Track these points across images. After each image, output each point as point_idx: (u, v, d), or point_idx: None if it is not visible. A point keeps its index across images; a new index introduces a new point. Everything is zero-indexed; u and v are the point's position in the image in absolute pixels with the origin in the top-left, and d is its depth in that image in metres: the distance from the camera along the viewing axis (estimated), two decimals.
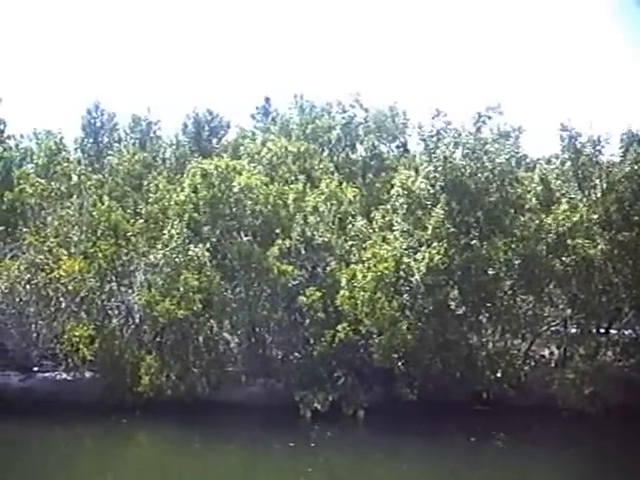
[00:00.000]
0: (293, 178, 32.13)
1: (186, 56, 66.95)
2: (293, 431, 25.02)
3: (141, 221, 31.13)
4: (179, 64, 67.83)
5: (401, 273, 26.26)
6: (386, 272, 26.01)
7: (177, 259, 27.97)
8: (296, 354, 28.51)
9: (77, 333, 27.79)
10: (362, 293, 26.27)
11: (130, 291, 29.60)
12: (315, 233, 28.76)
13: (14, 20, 70.28)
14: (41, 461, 23.04)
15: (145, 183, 35.70)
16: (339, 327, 26.77)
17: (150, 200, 32.41)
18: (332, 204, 30.02)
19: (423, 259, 26.05)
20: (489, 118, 28.60)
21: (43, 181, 35.39)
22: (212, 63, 67.27)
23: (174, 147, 44.32)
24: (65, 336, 28.02)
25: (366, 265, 26.66)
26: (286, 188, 30.20)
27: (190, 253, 27.84)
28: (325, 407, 26.39)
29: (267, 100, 47.02)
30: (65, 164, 38.24)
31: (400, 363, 26.39)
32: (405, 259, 26.33)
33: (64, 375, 28.34)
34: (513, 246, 27.17)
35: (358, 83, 57.27)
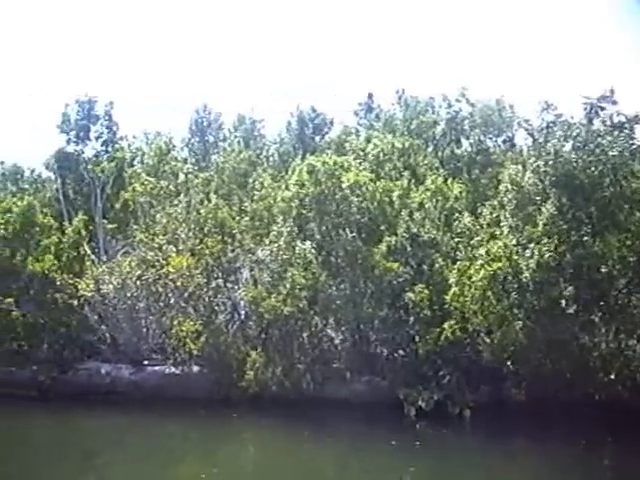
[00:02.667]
0: (398, 174, 31.84)
1: (290, 55, 67.61)
2: (397, 429, 24.77)
3: (247, 218, 31.56)
4: (284, 63, 68.54)
5: (510, 270, 25.56)
6: (500, 270, 25.39)
7: (284, 256, 28.16)
8: (401, 352, 28.20)
9: (184, 328, 28.40)
10: (472, 290, 25.75)
11: (236, 287, 30.05)
12: (421, 230, 28.39)
13: (123, 27, 72.70)
14: (155, 451, 23.63)
15: (250, 181, 36.14)
16: (446, 325, 26.38)
17: (255, 197, 32.76)
18: (438, 200, 29.61)
19: (533, 256, 25.29)
20: (601, 109, 27.46)
21: (153, 180, 36.33)
22: (315, 61, 67.68)
23: (278, 145, 44.76)
24: (173, 331, 28.66)
25: (479, 262, 26.10)
26: (391, 184, 29.94)
27: (297, 250, 27.98)
28: (430, 406, 26.06)
29: (370, 96, 46.84)
30: (174, 163, 39.16)
31: (509, 362, 25.71)
32: (514, 256, 25.63)
33: (172, 369, 28.98)
34: (628, 243, 26.03)
35: (463, 76, 56.38)
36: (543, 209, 26.22)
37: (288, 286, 27.56)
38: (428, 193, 29.78)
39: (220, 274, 30.17)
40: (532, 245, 25.70)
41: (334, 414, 25.74)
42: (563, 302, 26.31)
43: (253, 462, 23.26)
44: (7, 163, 43.22)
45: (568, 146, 26.75)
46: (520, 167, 28.10)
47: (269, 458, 23.45)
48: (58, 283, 29.97)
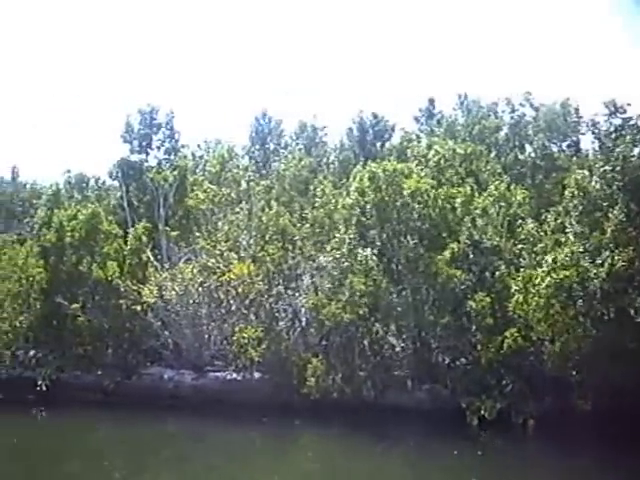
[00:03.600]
0: (460, 181, 31.49)
1: (349, 63, 67.66)
2: (459, 438, 24.38)
3: (307, 225, 31.58)
4: (344, 71, 68.67)
5: (575, 278, 24.98)
6: (567, 278, 24.87)
7: (344, 263, 28.11)
8: (463, 360, 27.85)
9: (246, 335, 28.52)
10: (536, 298, 25.27)
11: (297, 294, 30.06)
12: (483, 236, 28.01)
13: (182, 35, 73.82)
14: (218, 457, 23.85)
15: (311, 188, 36.17)
16: (508, 333, 25.95)
17: (316, 205, 32.77)
18: (501, 206, 29.15)
19: (603, 264, 24.66)
20: None
21: (214, 188, 36.65)
22: (376, 67, 67.63)
23: (338, 152, 44.73)
24: (234, 337, 28.82)
25: (545, 270, 25.58)
26: (453, 191, 29.64)
27: (358, 257, 27.89)
28: (492, 415, 25.65)
29: (431, 102, 46.47)
30: (235, 171, 39.44)
31: (574, 372, 25.12)
32: (583, 263, 25.04)
33: (234, 375, 29.14)
34: None
35: (527, 80, 55.65)
36: (611, 215, 25.57)
37: (348, 293, 27.49)
38: (491, 199, 29.35)
39: (281, 281, 30.25)
40: (604, 253, 25.04)
41: (395, 422, 25.57)
42: (631, 310, 25.63)
43: (316, 470, 23.17)
44: (73, 172, 44.17)
45: (637, 150, 26.09)
46: (586, 172, 27.49)
47: (331, 466, 23.35)
48: (122, 289, 30.43)
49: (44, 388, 29.50)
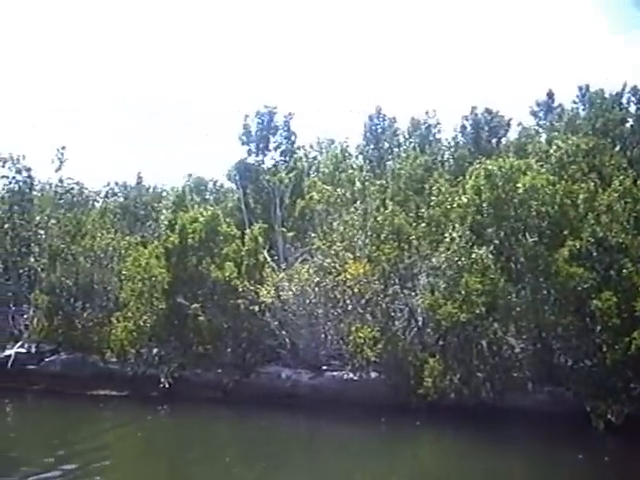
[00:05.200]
0: (582, 176, 30.42)
1: (462, 57, 66.77)
2: (583, 443, 23.57)
3: (423, 224, 31.21)
4: (456, 66, 67.85)
5: None
6: None
7: (460, 262, 27.66)
8: (587, 362, 26.84)
9: (362, 334, 28.46)
10: None
11: (413, 294, 29.78)
12: (608, 233, 26.93)
13: (299, 37, 74.74)
14: (336, 455, 23.90)
15: (427, 186, 35.82)
16: (635, 334, 24.88)
17: (432, 203, 32.38)
18: (627, 202, 27.94)
19: None
20: None
21: (329, 188, 36.83)
22: (489, 62, 66.53)
23: (453, 149, 44.17)
24: (351, 337, 28.82)
25: None
26: (575, 187, 28.66)
27: (473, 256, 27.38)
28: (620, 419, 24.62)
29: (550, 95, 45.15)
30: (350, 171, 39.53)
31: None
32: None
33: (350, 375, 29.08)
34: None
35: None
36: None
37: (464, 292, 27.01)
38: (616, 195, 28.20)
39: (397, 280, 30.01)
40: None
41: (516, 425, 24.87)
42: None
43: (437, 471, 22.94)
44: (193, 176, 45.44)
45: None
46: None
47: (453, 468, 23.00)
48: (240, 290, 30.92)
49: (167, 385, 30.33)
